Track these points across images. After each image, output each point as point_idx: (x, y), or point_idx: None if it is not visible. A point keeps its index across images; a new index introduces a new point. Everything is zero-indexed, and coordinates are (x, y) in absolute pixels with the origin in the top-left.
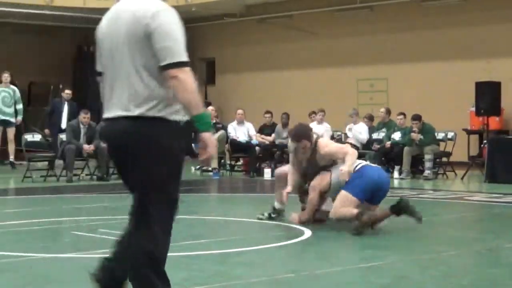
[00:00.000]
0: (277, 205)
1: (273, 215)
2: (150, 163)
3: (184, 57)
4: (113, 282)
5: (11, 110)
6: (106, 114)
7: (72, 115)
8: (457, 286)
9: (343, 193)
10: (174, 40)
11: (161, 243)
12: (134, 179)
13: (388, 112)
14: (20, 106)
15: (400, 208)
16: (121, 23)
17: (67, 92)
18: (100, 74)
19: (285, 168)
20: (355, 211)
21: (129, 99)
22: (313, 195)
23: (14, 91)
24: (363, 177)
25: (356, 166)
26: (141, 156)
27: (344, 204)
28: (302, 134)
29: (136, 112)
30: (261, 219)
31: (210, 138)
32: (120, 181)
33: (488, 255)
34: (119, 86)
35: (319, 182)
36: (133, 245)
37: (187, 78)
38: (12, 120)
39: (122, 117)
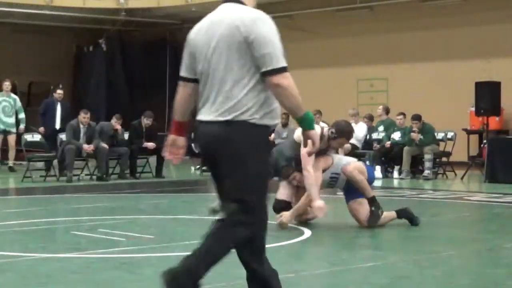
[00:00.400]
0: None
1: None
2: (241, 167)
3: (284, 62)
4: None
5: (11, 119)
6: (201, 117)
7: (66, 115)
8: (457, 286)
9: (360, 163)
10: (274, 47)
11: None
12: (223, 183)
13: (386, 110)
14: (22, 115)
15: (404, 213)
16: (219, 31)
17: (59, 92)
18: (184, 79)
19: None
20: (371, 192)
21: (224, 103)
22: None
23: (15, 100)
24: (370, 170)
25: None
26: (233, 160)
27: (360, 170)
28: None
29: (229, 116)
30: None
31: (316, 135)
32: (119, 181)
33: (488, 255)
34: (215, 90)
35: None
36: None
37: (289, 83)
38: (13, 130)
39: (216, 121)
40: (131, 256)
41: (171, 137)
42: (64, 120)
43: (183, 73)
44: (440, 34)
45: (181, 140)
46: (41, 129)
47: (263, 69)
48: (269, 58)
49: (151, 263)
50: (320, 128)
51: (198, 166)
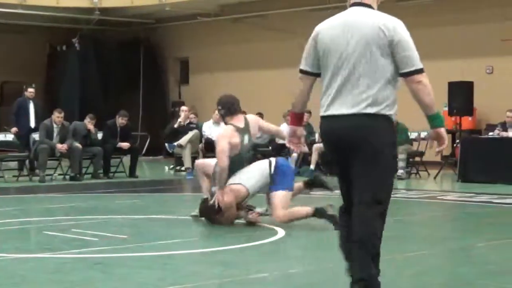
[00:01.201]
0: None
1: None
2: (382, 156)
3: (421, 64)
4: None
5: None
6: (335, 111)
7: (39, 113)
8: (431, 285)
9: (281, 193)
10: (413, 50)
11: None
12: (364, 171)
13: None
14: None
15: (314, 183)
16: (360, 31)
17: (30, 91)
18: (306, 72)
19: (209, 161)
20: (309, 209)
21: (367, 98)
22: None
23: None
24: (287, 171)
25: (271, 165)
26: (375, 150)
27: (286, 205)
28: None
29: (373, 110)
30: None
31: (445, 133)
32: (93, 181)
33: (461, 254)
34: (355, 85)
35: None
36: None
37: (427, 82)
38: None
39: (358, 114)
40: (105, 256)
41: (291, 128)
42: (38, 119)
43: (306, 67)
44: (413, 34)
45: (300, 130)
46: (14, 129)
47: (406, 69)
48: (412, 59)
49: (125, 263)
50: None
51: (171, 166)
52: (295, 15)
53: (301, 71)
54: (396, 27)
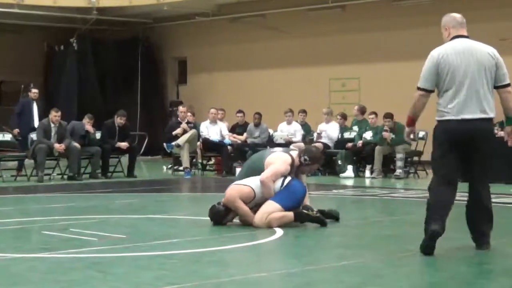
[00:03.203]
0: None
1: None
2: (492, 149)
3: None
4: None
5: None
6: (464, 116)
7: (42, 114)
8: (430, 284)
9: (273, 204)
10: (506, 68)
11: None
12: (482, 159)
13: (361, 110)
14: None
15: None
16: (475, 56)
17: (34, 92)
18: (428, 91)
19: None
20: (290, 214)
21: (486, 106)
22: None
23: None
24: (293, 194)
25: (283, 183)
26: (490, 144)
27: (270, 216)
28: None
29: (491, 115)
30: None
31: None
32: (91, 181)
33: (461, 253)
34: (476, 96)
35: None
36: (484, 200)
37: None
38: None
39: (482, 119)
40: (103, 256)
41: (411, 128)
42: (41, 119)
43: (430, 87)
44: (412, 33)
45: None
46: (16, 130)
47: (503, 83)
48: (506, 76)
49: (123, 262)
50: (290, 157)
51: (170, 166)
52: (293, 14)
53: (425, 90)
54: (496, 52)
